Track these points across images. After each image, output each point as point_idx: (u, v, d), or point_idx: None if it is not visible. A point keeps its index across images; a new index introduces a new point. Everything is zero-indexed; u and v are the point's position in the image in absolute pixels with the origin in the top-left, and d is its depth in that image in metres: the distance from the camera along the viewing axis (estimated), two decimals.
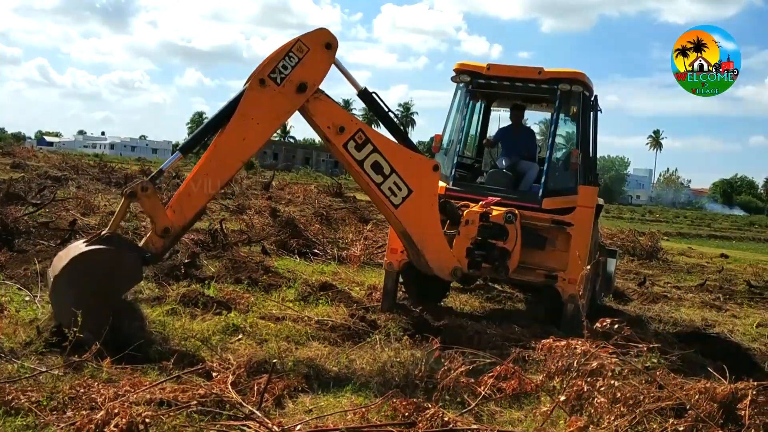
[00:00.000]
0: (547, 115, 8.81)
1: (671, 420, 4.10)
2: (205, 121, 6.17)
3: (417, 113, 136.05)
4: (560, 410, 4.48)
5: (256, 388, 4.57)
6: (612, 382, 4.34)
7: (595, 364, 4.51)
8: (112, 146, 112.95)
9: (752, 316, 10.37)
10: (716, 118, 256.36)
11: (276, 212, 14.84)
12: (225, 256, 9.41)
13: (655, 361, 4.91)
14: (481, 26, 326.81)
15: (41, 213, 11.11)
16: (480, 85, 8.19)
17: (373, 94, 6.46)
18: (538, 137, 9.51)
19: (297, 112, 6.08)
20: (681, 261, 18.12)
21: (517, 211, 7.32)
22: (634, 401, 4.21)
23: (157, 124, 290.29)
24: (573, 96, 7.82)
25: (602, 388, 4.32)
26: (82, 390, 4.18)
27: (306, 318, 6.76)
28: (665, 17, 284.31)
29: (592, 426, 4.16)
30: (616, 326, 4.80)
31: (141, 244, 5.60)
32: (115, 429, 3.64)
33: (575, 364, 4.56)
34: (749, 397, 4.19)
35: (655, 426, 4.08)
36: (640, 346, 4.97)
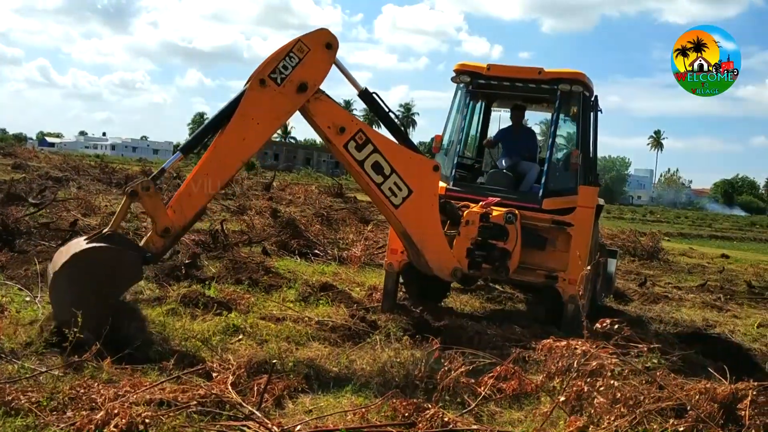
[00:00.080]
0: (548, 115, 8.81)
1: (671, 420, 4.10)
2: (206, 121, 6.17)
3: (418, 114, 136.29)
4: (560, 410, 4.48)
5: (256, 388, 4.57)
6: (612, 382, 4.33)
7: (595, 364, 4.50)
8: (113, 147, 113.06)
9: (753, 316, 10.35)
10: (717, 118, 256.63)
11: (277, 213, 14.85)
12: (226, 257, 9.42)
13: (655, 361, 4.89)
14: (481, 27, 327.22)
15: (42, 214, 11.12)
16: (480, 85, 8.19)
17: (374, 95, 6.47)
18: (538, 137, 9.50)
19: (298, 113, 6.08)
20: (682, 261, 18.10)
21: (517, 212, 7.32)
22: (634, 402, 4.21)
23: (157, 124, 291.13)
24: (573, 96, 7.82)
25: (602, 389, 4.31)
26: (82, 390, 4.19)
27: (306, 318, 6.76)
28: (666, 17, 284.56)
29: (592, 426, 4.15)
30: (616, 326, 4.78)
31: (141, 243, 5.61)
32: (115, 429, 3.65)
33: (575, 365, 4.55)
34: (749, 398, 4.18)
35: (655, 426, 4.07)
36: (641, 346, 4.96)
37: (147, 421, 3.75)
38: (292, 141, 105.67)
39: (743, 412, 4.13)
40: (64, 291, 5.08)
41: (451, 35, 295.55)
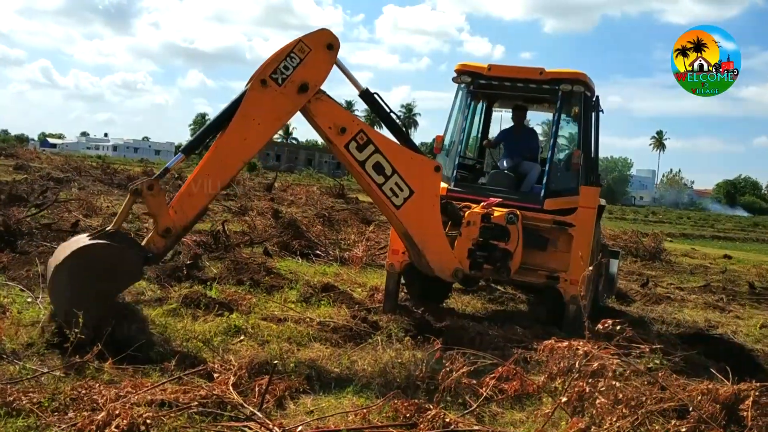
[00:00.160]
0: (549, 115, 8.80)
1: (673, 421, 4.09)
2: (208, 122, 6.17)
3: (420, 114, 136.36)
4: (562, 411, 4.48)
5: (257, 389, 4.57)
6: (614, 383, 4.32)
7: (596, 365, 4.49)
8: (115, 148, 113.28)
9: (755, 317, 10.34)
10: (719, 118, 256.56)
11: (278, 213, 14.86)
12: (227, 258, 9.42)
13: (657, 362, 4.90)
14: (483, 27, 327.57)
15: (44, 214, 11.14)
16: (481, 85, 8.19)
17: (375, 95, 6.46)
18: (540, 138, 9.49)
19: (299, 113, 6.08)
20: (684, 262, 18.08)
21: (518, 212, 7.31)
22: (636, 402, 4.20)
23: (159, 125, 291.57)
24: (574, 96, 7.81)
25: (604, 390, 4.30)
26: (83, 391, 4.19)
27: (308, 319, 6.76)
28: (667, 18, 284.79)
29: (593, 427, 4.14)
30: (618, 327, 4.78)
31: (143, 244, 5.61)
32: (116, 430, 3.65)
33: (577, 366, 4.54)
34: (752, 399, 4.17)
35: (657, 427, 4.06)
36: (643, 347, 4.95)
37: (148, 421, 3.75)
38: (294, 142, 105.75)
39: (745, 413, 4.12)
40: (64, 285, 5.09)
41: (452, 35, 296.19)
